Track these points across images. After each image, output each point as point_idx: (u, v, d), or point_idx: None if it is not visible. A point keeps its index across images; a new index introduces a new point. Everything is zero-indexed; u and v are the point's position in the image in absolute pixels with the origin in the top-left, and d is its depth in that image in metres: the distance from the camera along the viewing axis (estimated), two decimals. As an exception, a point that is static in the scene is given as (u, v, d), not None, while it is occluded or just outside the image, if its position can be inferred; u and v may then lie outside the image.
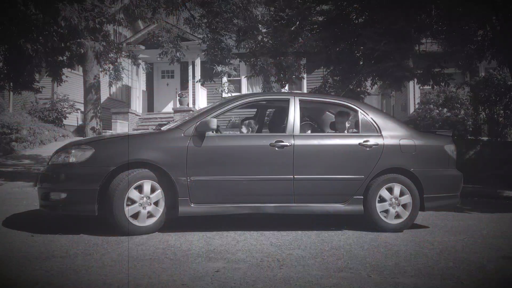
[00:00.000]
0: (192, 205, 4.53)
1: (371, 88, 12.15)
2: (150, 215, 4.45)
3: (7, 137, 13.99)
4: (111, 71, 13.30)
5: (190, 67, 18.74)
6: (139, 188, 4.39)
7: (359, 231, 4.87)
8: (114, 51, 12.97)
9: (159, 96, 20.26)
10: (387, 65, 8.70)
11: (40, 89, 12.75)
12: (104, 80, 14.44)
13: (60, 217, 5.18)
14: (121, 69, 13.49)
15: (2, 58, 11.28)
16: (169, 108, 19.60)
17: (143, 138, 4.77)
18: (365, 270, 3.38)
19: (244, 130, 5.45)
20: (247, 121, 5.52)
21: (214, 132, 4.74)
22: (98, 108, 14.02)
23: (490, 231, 5.20)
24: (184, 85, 19.60)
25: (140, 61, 16.25)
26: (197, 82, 14.48)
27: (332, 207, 4.86)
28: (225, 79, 16.94)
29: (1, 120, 14.58)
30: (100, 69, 13.01)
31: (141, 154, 4.46)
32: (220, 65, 11.44)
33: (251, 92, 18.11)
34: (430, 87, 10.38)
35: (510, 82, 11.77)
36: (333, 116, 5.73)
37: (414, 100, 16.66)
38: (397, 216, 4.96)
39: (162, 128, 4.91)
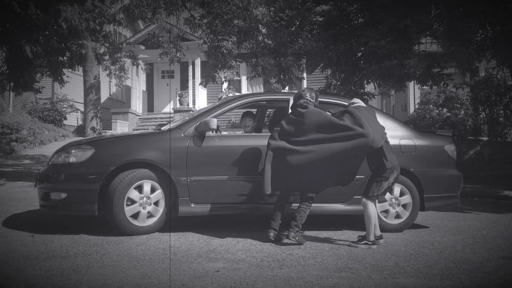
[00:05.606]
0: (192, 205, 4.53)
1: (374, 89, 12.12)
2: (150, 215, 4.45)
3: (7, 137, 14.01)
4: (113, 71, 13.31)
5: (190, 67, 18.74)
6: (139, 188, 4.40)
7: (359, 231, 4.87)
8: (115, 51, 12.97)
9: (159, 96, 20.26)
10: (390, 64, 8.66)
11: (41, 89, 12.75)
12: (104, 80, 14.44)
13: (60, 217, 5.18)
14: (121, 69, 13.50)
15: (3, 58, 11.28)
16: (169, 108, 19.60)
17: (143, 138, 4.77)
18: (365, 270, 3.38)
19: (248, 122, 5.29)
20: (248, 117, 5.36)
21: (214, 132, 4.74)
22: (98, 108, 14.02)
23: (490, 231, 5.20)
24: (184, 85, 19.60)
25: (139, 61, 16.26)
26: (199, 85, 14.50)
27: (332, 207, 4.86)
28: (225, 85, 16.92)
29: (1, 120, 14.60)
30: (102, 69, 13.04)
31: (141, 154, 4.47)
32: (223, 70, 11.39)
33: (251, 92, 18.10)
34: (429, 87, 10.37)
35: (510, 82, 11.77)
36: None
37: (414, 100, 16.66)
38: (397, 216, 4.96)
39: (162, 128, 4.91)
